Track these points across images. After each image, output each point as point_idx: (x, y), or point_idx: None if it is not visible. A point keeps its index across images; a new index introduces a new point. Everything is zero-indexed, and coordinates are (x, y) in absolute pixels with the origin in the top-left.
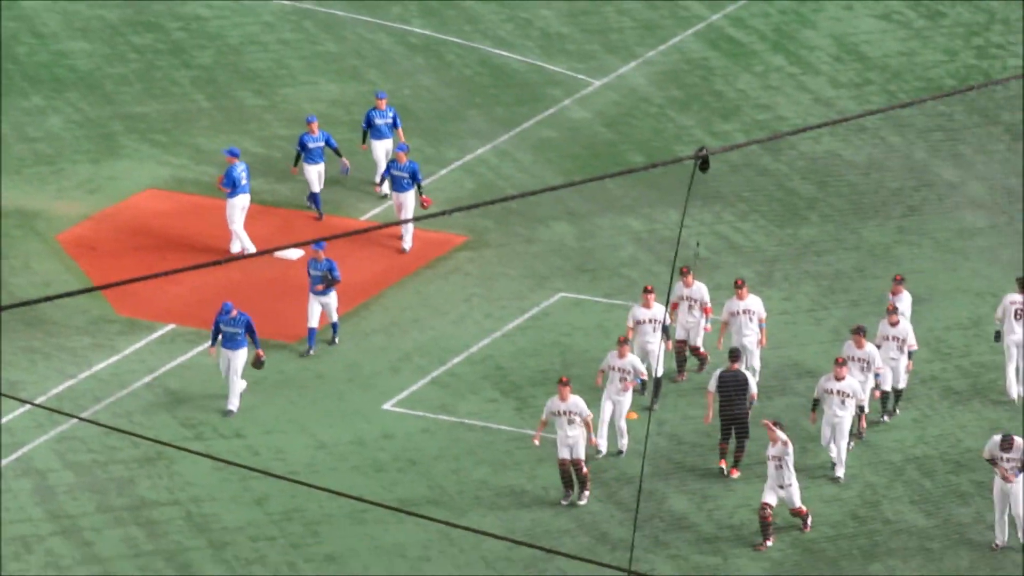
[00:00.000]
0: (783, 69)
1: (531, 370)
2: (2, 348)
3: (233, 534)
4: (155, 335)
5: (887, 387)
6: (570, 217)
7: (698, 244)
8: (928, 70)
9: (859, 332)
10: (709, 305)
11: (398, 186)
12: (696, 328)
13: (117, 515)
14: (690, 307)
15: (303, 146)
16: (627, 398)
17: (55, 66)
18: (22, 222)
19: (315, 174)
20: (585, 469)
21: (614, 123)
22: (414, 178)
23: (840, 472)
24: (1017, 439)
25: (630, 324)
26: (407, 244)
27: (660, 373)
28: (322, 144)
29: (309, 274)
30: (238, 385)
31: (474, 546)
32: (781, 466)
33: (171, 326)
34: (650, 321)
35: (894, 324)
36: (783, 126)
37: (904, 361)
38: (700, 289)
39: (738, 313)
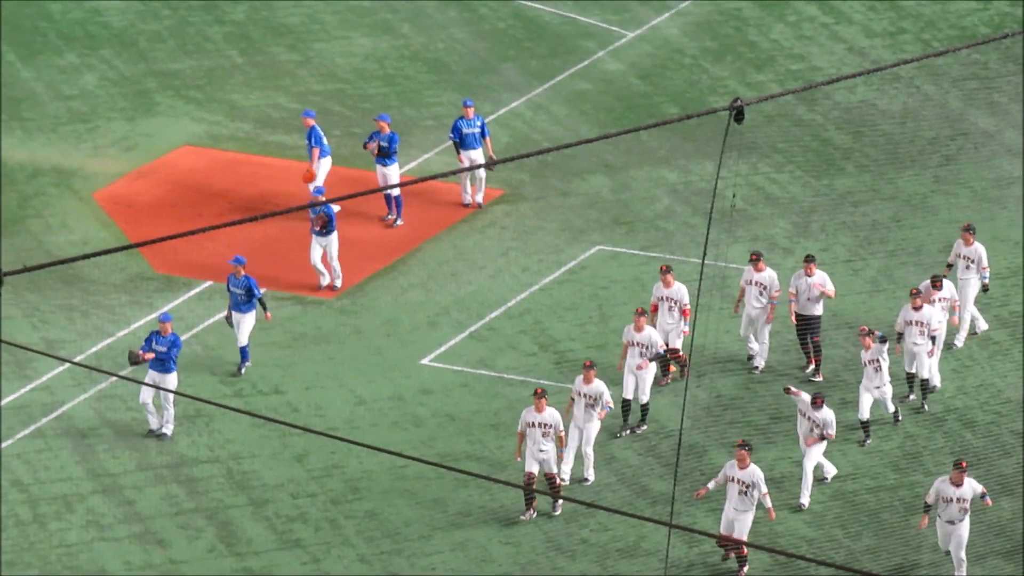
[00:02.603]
0: (816, 19)
1: (569, 323)
2: (41, 306)
3: (273, 491)
4: (193, 292)
5: (911, 369)
6: (606, 170)
7: (734, 195)
8: (962, 18)
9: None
10: (688, 307)
11: (470, 143)
12: (675, 330)
13: (157, 473)
14: (670, 308)
15: (457, 132)
16: (595, 425)
17: (89, 23)
18: (59, 180)
19: (468, 162)
20: (558, 480)
21: (648, 75)
22: (483, 133)
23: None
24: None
25: (624, 342)
26: (468, 199)
27: (646, 399)
28: (477, 130)
29: (228, 290)
30: (170, 410)
31: (514, 501)
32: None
33: (208, 283)
34: (639, 344)
35: (917, 308)
36: (817, 76)
37: (926, 349)
38: (680, 290)
39: (751, 283)
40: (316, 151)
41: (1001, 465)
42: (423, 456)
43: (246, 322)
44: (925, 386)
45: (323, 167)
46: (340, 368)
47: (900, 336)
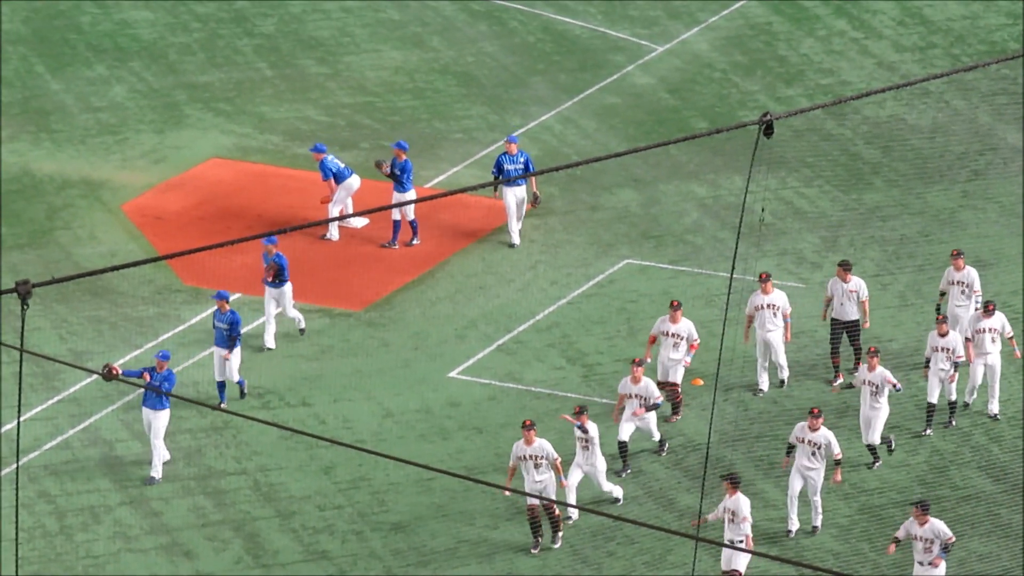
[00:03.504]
0: (846, 33)
1: (597, 337)
2: (69, 318)
3: (300, 503)
4: None
5: (933, 399)
6: (635, 183)
7: (763, 210)
8: (992, 33)
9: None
10: (697, 341)
11: (511, 180)
12: (676, 366)
13: (185, 484)
14: (675, 344)
15: (499, 167)
16: (600, 462)
17: (118, 35)
18: (87, 192)
19: (513, 199)
20: (557, 511)
21: (678, 89)
22: (527, 169)
23: (994, 408)
24: (933, 520)
25: (620, 394)
26: (517, 239)
27: (658, 437)
28: (521, 166)
29: (214, 326)
30: (160, 451)
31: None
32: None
33: (237, 295)
34: (637, 396)
35: (943, 335)
36: (847, 90)
37: (951, 372)
38: (687, 326)
39: (762, 307)
40: (331, 182)
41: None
42: (450, 469)
43: (235, 357)
44: (953, 407)
45: (348, 188)
46: (368, 381)
47: (928, 362)
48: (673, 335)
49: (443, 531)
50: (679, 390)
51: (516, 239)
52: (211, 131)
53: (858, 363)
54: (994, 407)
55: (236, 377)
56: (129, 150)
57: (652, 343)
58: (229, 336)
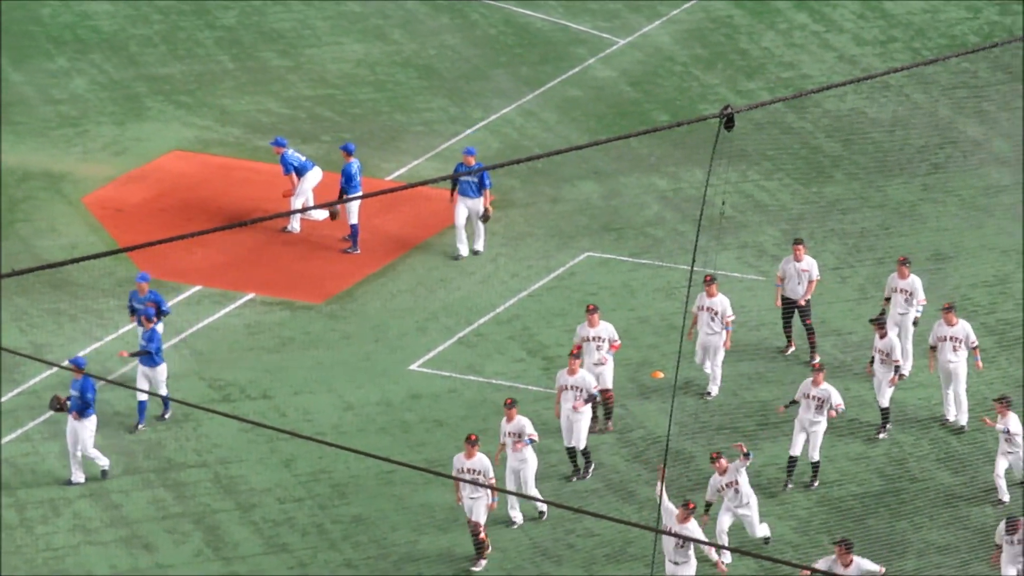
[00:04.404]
0: (807, 27)
1: (558, 329)
2: (29, 311)
3: (260, 496)
4: (181, 296)
5: (884, 403)
6: (596, 176)
7: (724, 203)
8: (952, 27)
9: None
10: (617, 342)
11: (466, 191)
12: (602, 370)
13: (145, 477)
14: (597, 347)
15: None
16: (531, 465)
17: (79, 27)
18: (48, 184)
19: (463, 211)
20: (483, 534)
21: (639, 82)
22: (482, 183)
23: (963, 420)
24: (858, 560)
25: (557, 387)
26: (464, 251)
27: (583, 445)
28: (476, 179)
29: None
30: (91, 455)
31: (501, 506)
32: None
33: (197, 287)
34: (573, 388)
35: (883, 336)
36: (808, 84)
37: (890, 375)
38: (607, 328)
39: (703, 309)
40: (292, 176)
41: (986, 472)
42: (411, 461)
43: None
44: (886, 413)
45: (311, 181)
46: (328, 373)
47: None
48: (594, 339)
49: (403, 523)
50: (611, 395)
51: (463, 251)
52: (172, 123)
53: (812, 342)
54: (962, 418)
55: (163, 390)
56: (90, 142)
57: (577, 350)
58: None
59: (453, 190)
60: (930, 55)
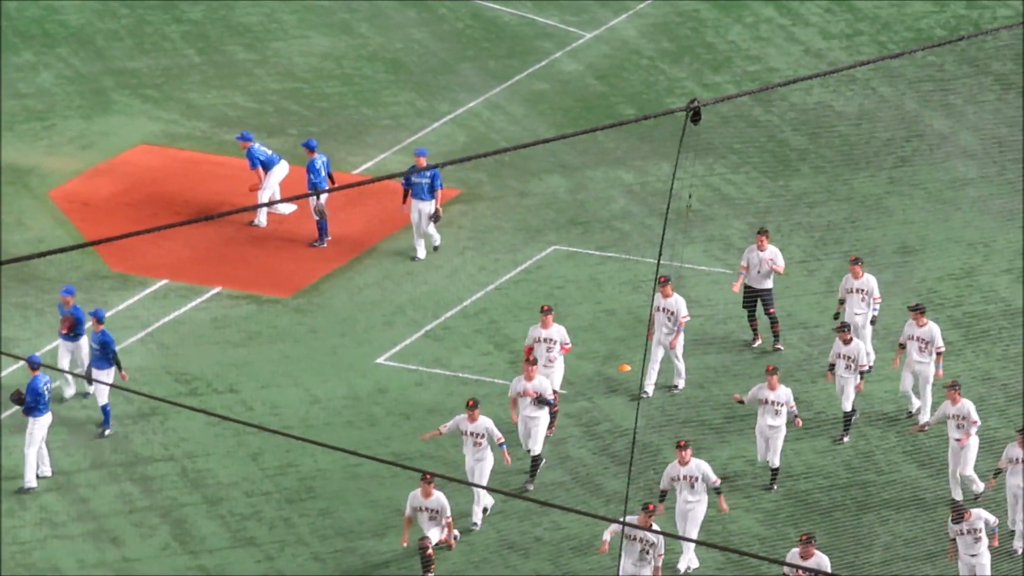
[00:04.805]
0: (774, 20)
1: (525, 323)
2: None
3: (228, 489)
4: (148, 290)
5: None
6: (562, 170)
7: (690, 196)
8: (918, 20)
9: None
10: (569, 344)
11: (418, 193)
12: (551, 372)
13: (112, 471)
14: (548, 349)
15: (408, 180)
16: (487, 463)
17: (46, 21)
18: (14, 178)
19: (417, 213)
20: (431, 551)
21: (605, 75)
22: (433, 183)
23: (924, 418)
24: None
25: (511, 395)
26: (422, 252)
27: (538, 450)
28: (427, 181)
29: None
30: (44, 458)
31: (468, 499)
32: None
33: (164, 281)
34: (530, 393)
35: (847, 342)
36: (774, 77)
37: (853, 381)
38: (559, 330)
39: (660, 310)
40: (259, 171)
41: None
42: (378, 455)
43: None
44: (848, 418)
45: (277, 175)
46: (295, 367)
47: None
48: (545, 340)
49: (370, 517)
50: (556, 398)
51: (421, 252)
52: (139, 117)
53: (776, 331)
54: (923, 417)
55: (102, 401)
56: (56, 136)
57: (530, 352)
58: (104, 356)
59: (405, 195)
60: (896, 48)
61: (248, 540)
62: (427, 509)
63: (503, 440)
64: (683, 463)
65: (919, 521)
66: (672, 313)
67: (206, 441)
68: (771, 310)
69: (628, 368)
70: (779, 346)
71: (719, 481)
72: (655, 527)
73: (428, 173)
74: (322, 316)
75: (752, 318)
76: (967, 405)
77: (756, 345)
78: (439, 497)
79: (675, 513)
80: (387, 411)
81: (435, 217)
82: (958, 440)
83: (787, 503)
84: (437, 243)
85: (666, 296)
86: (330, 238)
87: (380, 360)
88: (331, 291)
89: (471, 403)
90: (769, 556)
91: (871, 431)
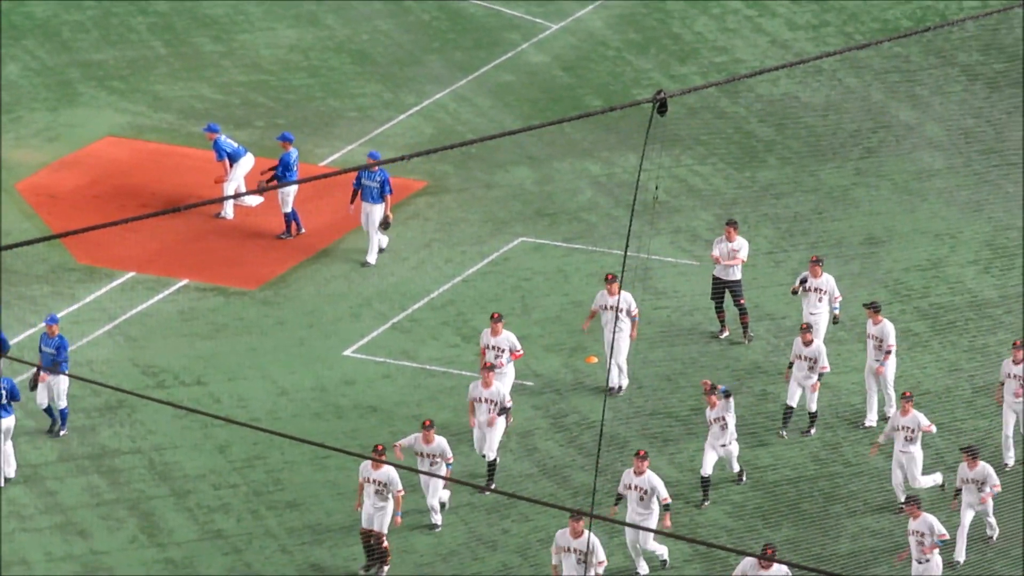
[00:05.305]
0: (740, 11)
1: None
2: None
3: (195, 482)
4: (115, 283)
5: (792, 403)
6: (529, 161)
7: (657, 187)
8: (885, 11)
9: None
10: (520, 351)
11: (367, 196)
12: (501, 378)
13: (79, 464)
14: (496, 356)
15: (358, 181)
16: (439, 482)
17: (12, 13)
18: None
19: (365, 218)
20: (386, 543)
21: (572, 67)
22: (383, 187)
23: (890, 413)
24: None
25: (469, 400)
26: (373, 257)
27: (492, 456)
28: (377, 185)
29: (40, 351)
30: (10, 457)
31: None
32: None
33: (131, 273)
34: (488, 401)
35: (808, 343)
36: (741, 68)
37: (813, 380)
38: (509, 337)
39: (607, 308)
40: (225, 162)
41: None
42: (345, 447)
43: (62, 381)
44: (814, 418)
45: (243, 167)
46: (262, 359)
47: (791, 365)
48: (494, 347)
49: (338, 509)
50: (509, 406)
51: (372, 258)
52: (105, 109)
53: (744, 322)
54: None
55: (63, 403)
56: (23, 128)
57: (484, 355)
58: (55, 361)
59: (355, 195)
60: (863, 39)
61: (216, 533)
62: (375, 481)
63: (450, 461)
64: (638, 473)
65: (886, 512)
66: (623, 310)
67: (173, 434)
68: (741, 301)
69: (595, 360)
70: (748, 336)
71: (668, 500)
72: (588, 537)
73: (378, 177)
74: (289, 308)
75: (720, 309)
76: (917, 416)
77: (724, 336)
78: (388, 470)
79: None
80: (354, 403)
81: (384, 224)
82: (903, 452)
83: (755, 495)
84: (383, 246)
85: (612, 294)
86: (304, 231)
87: (347, 352)
88: (298, 283)
89: (427, 423)
90: (737, 548)
91: (838, 422)
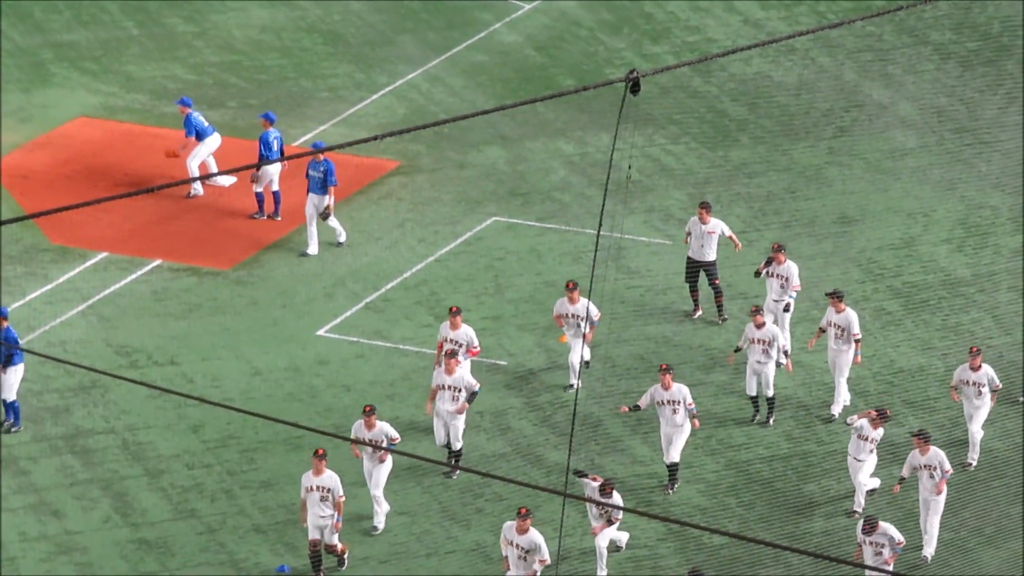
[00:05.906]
0: None
1: (465, 294)
2: None
3: (169, 462)
4: (88, 263)
5: (752, 392)
6: (502, 141)
7: (630, 167)
8: None
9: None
10: (477, 348)
11: (313, 187)
12: (462, 372)
13: (52, 444)
14: (453, 352)
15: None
16: (385, 467)
17: None
18: None
19: (312, 207)
20: (340, 547)
21: (545, 47)
22: (326, 177)
23: (836, 410)
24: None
25: (433, 386)
26: (314, 248)
27: (459, 445)
28: (321, 175)
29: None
30: None
31: (409, 471)
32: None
33: (104, 254)
34: (451, 388)
35: (760, 326)
36: (713, 48)
37: (772, 366)
38: (467, 332)
39: (568, 316)
40: (192, 139)
41: (892, 435)
42: (319, 427)
43: (13, 374)
44: (772, 403)
45: (209, 146)
46: (236, 339)
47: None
48: (452, 341)
49: None
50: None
51: (313, 249)
52: (78, 90)
53: (719, 303)
54: (836, 409)
55: (11, 397)
56: None
57: (440, 350)
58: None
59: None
60: (835, 18)
61: (190, 512)
62: (318, 488)
63: (397, 439)
64: (666, 388)
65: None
66: (583, 318)
67: (147, 414)
68: (715, 281)
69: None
70: (724, 316)
71: (693, 405)
72: (534, 535)
73: (322, 167)
74: (262, 288)
75: (694, 289)
76: (938, 454)
77: (696, 316)
78: (331, 475)
79: (660, 436)
80: (328, 383)
81: (324, 215)
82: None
83: (728, 473)
84: (342, 239)
85: (573, 302)
86: (280, 219)
87: (321, 332)
88: (271, 263)
89: (367, 409)
90: (710, 527)
91: (811, 401)
